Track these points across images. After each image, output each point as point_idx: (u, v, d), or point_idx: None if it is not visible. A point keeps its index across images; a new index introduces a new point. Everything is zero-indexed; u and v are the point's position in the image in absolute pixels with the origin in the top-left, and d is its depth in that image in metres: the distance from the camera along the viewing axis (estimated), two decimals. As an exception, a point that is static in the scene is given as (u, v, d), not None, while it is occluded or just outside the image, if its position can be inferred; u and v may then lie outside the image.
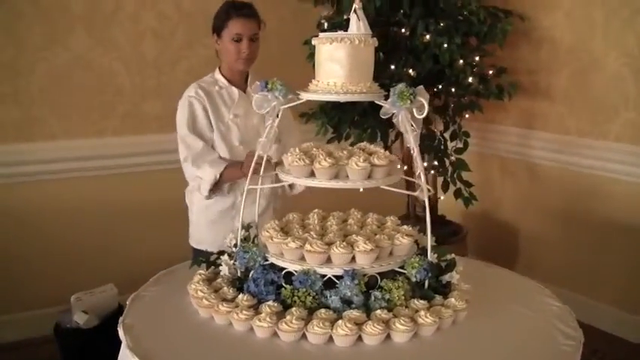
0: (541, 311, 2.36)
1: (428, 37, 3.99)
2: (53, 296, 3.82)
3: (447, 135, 4.36)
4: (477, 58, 4.15)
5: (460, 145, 4.32)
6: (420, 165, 2.34)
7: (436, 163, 4.28)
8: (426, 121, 4.24)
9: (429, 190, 2.43)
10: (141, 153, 4.20)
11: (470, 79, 4.10)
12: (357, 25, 2.33)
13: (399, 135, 4.29)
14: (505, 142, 4.82)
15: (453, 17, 4.03)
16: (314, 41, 2.36)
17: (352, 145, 4.12)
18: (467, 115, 4.40)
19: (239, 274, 2.40)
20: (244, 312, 2.16)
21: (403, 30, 4.09)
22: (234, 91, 3.05)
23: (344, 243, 2.24)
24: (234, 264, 2.40)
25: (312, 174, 2.28)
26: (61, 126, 4.06)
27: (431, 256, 2.31)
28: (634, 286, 4.09)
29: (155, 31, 4.24)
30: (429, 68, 4.04)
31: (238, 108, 3.05)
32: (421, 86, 2.35)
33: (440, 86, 4.12)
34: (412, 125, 2.35)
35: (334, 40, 2.28)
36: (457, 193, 4.30)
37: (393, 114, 2.33)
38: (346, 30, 2.38)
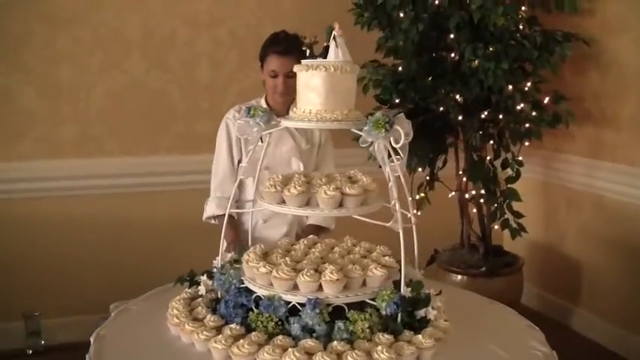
0: (520, 356, 2.24)
1: (477, 62, 3.89)
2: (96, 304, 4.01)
3: (497, 163, 4.21)
4: (529, 84, 3.98)
5: (512, 173, 4.16)
6: (395, 194, 2.29)
7: (483, 191, 4.13)
8: (476, 148, 4.13)
9: (410, 220, 2.36)
10: (193, 171, 4.35)
11: (521, 106, 3.95)
12: (336, 52, 2.33)
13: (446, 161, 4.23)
14: (570, 172, 4.60)
15: (504, 41, 3.90)
16: (294, 68, 2.37)
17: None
18: (527, 143, 4.24)
19: (218, 295, 2.44)
20: (205, 332, 2.20)
21: (453, 55, 4.01)
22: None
23: (311, 271, 2.23)
24: (212, 285, 2.44)
25: (283, 200, 2.29)
26: (116, 144, 4.32)
27: (404, 290, 2.25)
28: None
29: (209, 55, 4.40)
30: (477, 94, 3.93)
31: (269, 135, 3.08)
32: (401, 114, 2.31)
33: (486, 112, 3.99)
34: (397, 153, 2.32)
35: (310, 67, 2.29)
36: (504, 224, 4.14)
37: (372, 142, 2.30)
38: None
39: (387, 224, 2.29)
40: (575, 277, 4.63)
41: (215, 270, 2.46)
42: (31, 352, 4.20)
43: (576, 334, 4.53)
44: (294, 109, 2.37)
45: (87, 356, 2.20)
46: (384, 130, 2.23)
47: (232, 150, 3.12)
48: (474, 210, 4.41)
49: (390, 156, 2.30)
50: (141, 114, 4.36)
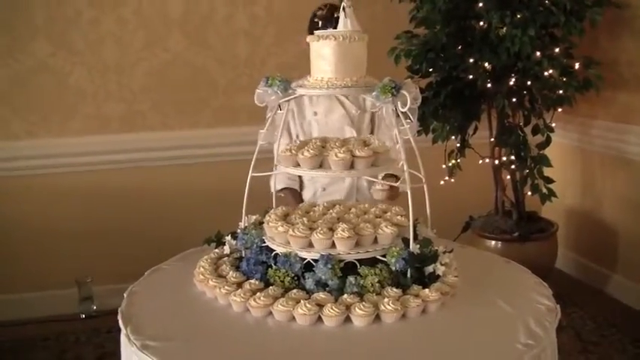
0: (523, 309, 2.31)
1: (504, 29, 3.94)
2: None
3: (528, 130, 4.27)
4: (557, 50, 4.01)
5: (543, 139, 4.21)
6: (403, 156, 2.40)
7: (513, 157, 4.20)
8: (506, 115, 4.19)
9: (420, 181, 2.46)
10: (232, 143, 4.54)
11: (549, 72, 3.99)
12: (345, 22, 2.45)
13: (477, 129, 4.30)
14: (605, 138, 4.61)
15: (532, 8, 3.94)
16: (307, 39, 2.50)
17: (434, 139, 4.23)
18: (559, 110, 4.28)
19: (242, 255, 2.61)
20: (226, 287, 2.36)
21: (481, 23, 4.07)
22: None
23: (324, 229, 2.37)
24: (236, 245, 2.61)
25: (298, 163, 2.44)
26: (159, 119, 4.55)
27: (413, 247, 2.38)
28: None
29: (246, 31, 4.57)
30: (505, 61, 3.98)
31: (319, 106, 3.23)
32: (409, 80, 2.45)
33: (514, 79, 4.04)
34: (408, 117, 2.43)
35: (320, 37, 2.42)
36: (534, 189, 4.20)
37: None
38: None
39: (396, 184, 2.41)
40: (611, 242, 4.66)
41: (239, 231, 2.63)
42: (84, 316, 4.49)
43: (612, 299, 4.56)
44: (308, 77, 2.50)
45: (119, 310, 2.40)
46: (390, 95, 2.34)
47: (289, 125, 3.24)
48: (508, 177, 4.48)
49: (400, 119, 2.40)
50: (182, 89, 4.55)
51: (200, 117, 4.61)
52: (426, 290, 2.30)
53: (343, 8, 2.46)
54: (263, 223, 2.63)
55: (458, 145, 4.41)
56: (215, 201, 4.49)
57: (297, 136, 3.24)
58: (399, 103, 2.37)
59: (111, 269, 4.46)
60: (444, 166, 4.42)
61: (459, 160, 4.43)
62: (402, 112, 2.40)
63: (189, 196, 4.57)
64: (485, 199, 4.68)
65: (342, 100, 3.20)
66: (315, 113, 3.19)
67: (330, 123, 3.20)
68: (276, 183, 3.16)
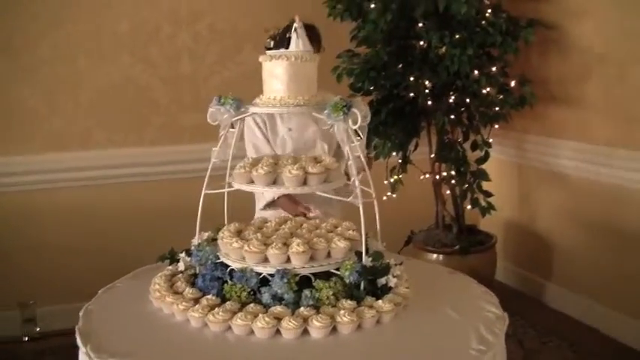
0: (472, 317, 2.41)
1: (444, 49, 4.09)
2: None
3: (467, 145, 4.43)
4: (494, 69, 4.18)
5: (481, 154, 4.38)
6: (354, 172, 2.48)
7: (453, 172, 4.35)
8: (446, 131, 4.34)
9: (370, 196, 2.54)
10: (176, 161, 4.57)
11: (487, 90, 4.15)
12: (297, 42, 2.52)
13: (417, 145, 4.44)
14: (539, 153, 4.80)
15: (470, 29, 4.10)
16: (260, 59, 2.56)
17: (376, 155, 4.33)
18: (496, 126, 4.45)
19: (196, 271, 2.64)
20: (183, 303, 2.39)
21: (421, 42, 4.21)
22: None
23: (279, 244, 2.42)
24: (190, 261, 2.64)
25: (252, 180, 2.49)
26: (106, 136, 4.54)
27: (365, 260, 2.45)
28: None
29: (190, 49, 4.61)
30: (445, 79, 4.13)
31: (291, 122, 3.27)
32: (359, 98, 2.53)
33: (454, 97, 4.19)
34: (358, 135, 2.51)
35: (273, 57, 2.49)
36: (474, 203, 4.35)
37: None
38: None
39: (348, 199, 2.49)
40: (547, 253, 4.84)
41: (193, 248, 2.66)
42: (27, 338, 4.39)
43: (549, 308, 4.74)
44: (261, 96, 2.56)
45: (76, 328, 2.39)
46: (342, 113, 2.42)
47: (267, 135, 3.25)
48: (448, 191, 4.62)
49: (350, 137, 2.48)
50: (127, 107, 4.55)
51: (144, 135, 4.60)
52: (380, 302, 2.37)
53: (295, 29, 2.53)
54: (215, 239, 2.68)
55: (400, 161, 4.53)
56: (161, 219, 4.50)
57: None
58: (350, 121, 2.45)
59: (54, 290, 4.40)
60: (386, 182, 4.53)
61: (400, 176, 4.55)
62: (352, 130, 2.48)
63: (134, 215, 4.54)
64: (426, 214, 4.82)
65: (314, 117, 3.26)
66: (290, 129, 3.24)
67: (303, 139, 3.25)
68: (266, 195, 3.18)
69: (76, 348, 2.27)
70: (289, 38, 2.57)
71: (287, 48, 2.58)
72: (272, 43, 2.91)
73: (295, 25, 2.53)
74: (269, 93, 2.52)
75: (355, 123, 2.44)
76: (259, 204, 3.28)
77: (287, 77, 2.47)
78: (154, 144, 4.61)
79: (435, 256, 4.58)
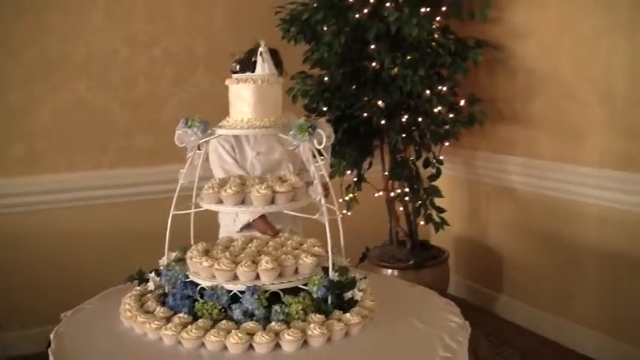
0: (436, 326, 2.53)
1: (396, 70, 4.23)
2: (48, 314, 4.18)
3: (419, 163, 4.57)
4: (445, 88, 4.34)
5: (433, 172, 4.52)
6: (320, 190, 2.57)
7: (407, 189, 4.48)
8: (399, 150, 4.47)
9: (336, 213, 2.64)
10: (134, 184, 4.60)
11: (438, 109, 4.30)
12: (262, 66, 2.61)
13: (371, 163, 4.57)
14: (488, 169, 4.98)
15: (421, 50, 4.25)
16: (226, 82, 2.64)
17: (332, 174, 4.43)
18: (446, 144, 4.61)
19: (166, 290, 2.69)
20: (155, 322, 2.44)
21: (374, 64, 4.35)
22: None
23: (249, 262, 2.49)
24: (160, 281, 2.69)
25: (221, 200, 2.56)
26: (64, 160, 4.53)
27: (332, 275, 2.54)
28: (608, 308, 4.18)
29: (146, 72, 4.66)
30: (397, 99, 4.27)
31: (260, 146, 3.33)
32: (323, 119, 2.62)
33: (407, 116, 4.33)
34: (321, 154, 2.61)
35: (240, 80, 2.57)
36: (428, 218, 4.49)
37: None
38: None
39: (314, 217, 2.58)
40: (497, 265, 5.01)
41: (162, 268, 2.71)
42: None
43: (501, 319, 4.91)
44: (228, 118, 2.64)
45: (49, 350, 2.41)
46: (307, 134, 2.52)
47: (229, 163, 3.29)
48: (401, 208, 4.75)
49: (314, 156, 2.58)
50: (85, 130, 4.56)
51: (103, 158, 4.61)
52: (348, 315, 2.47)
53: (260, 53, 2.62)
54: (182, 259, 2.73)
55: (354, 179, 4.64)
56: (121, 241, 4.50)
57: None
58: (315, 141, 2.54)
59: (19, 315, 4.38)
60: (341, 200, 4.63)
61: (355, 194, 4.66)
62: (316, 150, 2.57)
63: (95, 237, 4.54)
64: (380, 230, 4.94)
65: (280, 139, 3.33)
66: (258, 153, 3.31)
67: (271, 161, 3.33)
68: (241, 217, 3.25)
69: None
70: (255, 62, 2.65)
71: (253, 71, 2.66)
72: (238, 66, 3.00)
73: (261, 49, 2.62)
74: (236, 115, 2.60)
75: (320, 143, 2.53)
76: (233, 226, 3.33)
77: (254, 100, 2.56)
78: (113, 166, 4.62)
79: (390, 271, 4.69)
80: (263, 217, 3.16)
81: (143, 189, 4.56)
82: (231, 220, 3.34)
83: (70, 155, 4.54)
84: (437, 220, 4.51)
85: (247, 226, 3.26)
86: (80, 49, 4.49)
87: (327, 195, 2.65)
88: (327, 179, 2.67)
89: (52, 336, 2.51)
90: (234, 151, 3.30)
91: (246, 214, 3.20)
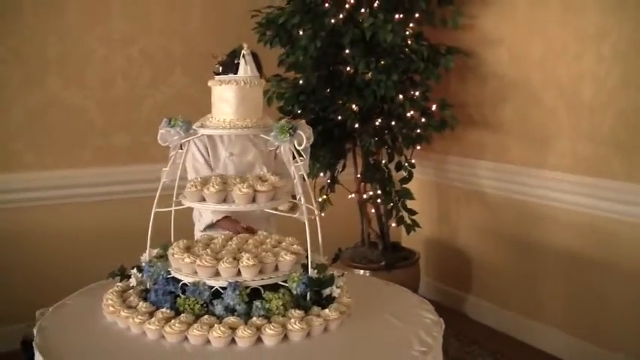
0: (411, 322, 2.62)
1: (370, 74, 4.32)
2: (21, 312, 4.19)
3: (391, 166, 4.67)
4: (417, 93, 4.45)
5: (405, 175, 4.63)
6: (300, 190, 2.65)
7: (379, 192, 4.57)
8: (371, 153, 4.56)
9: (314, 212, 2.71)
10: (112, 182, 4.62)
11: (410, 113, 4.41)
12: (245, 68, 2.68)
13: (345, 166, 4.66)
14: (459, 172, 5.10)
15: (395, 55, 4.35)
16: (209, 83, 2.70)
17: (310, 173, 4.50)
18: (418, 147, 4.71)
19: (148, 286, 2.73)
20: (139, 317, 2.49)
21: (348, 68, 4.44)
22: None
23: (230, 259, 2.55)
24: (141, 277, 2.74)
25: (203, 198, 2.62)
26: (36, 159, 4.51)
27: (311, 272, 2.61)
28: (575, 309, 4.31)
29: (123, 72, 4.68)
30: (371, 103, 4.36)
31: (234, 147, 3.38)
32: (303, 121, 2.69)
33: (380, 120, 4.43)
34: (301, 155, 2.68)
35: (223, 82, 2.64)
36: (399, 221, 4.59)
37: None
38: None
39: (294, 215, 2.65)
40: (466, 267, 5.14)
41: (144, 264, 2.76)
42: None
43: (470, 319, 5.04)
44: (210, 118, 2.70)
45: (34, 344, 2.45)
46: (288, 135, 2.59)
47: (208, 160, 3.36)
48: (373, 210, 4.84)
49: (294, 157, 2.65)
50: (60, 129, 4.56)
51: (80, 156, 4.63)
52: (327, 310, 2.54)
53: (243, 55, 2.69)
54: (163, 256, 2.78)
55: (328, 181, 4.72)
56: (98, 239, 4.53)
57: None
58: (295, 142, 2.62)
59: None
60: (312, 195, 4.69)
61: (329, 196, 4.73)
62: (296, 151, 2.65)
63: (70, 235, 4.55)
64: (352, 232, 5.02)
65: (254, 141, 3.40)
66: (231, 154, 3.36)
67: (244, 163, 3.38)
68: (205, 217, 3.31)
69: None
70: (237, 64, 2.72)
71: (235, 73, 2.72)
72: (220, 68, 3.07)
73: (243, 51, 2.69)
74: (218, 115, 2.66)
75: (300, 144, 2.61)
76: (199, 225, 3.40)
77: (236, 101, 2.62)
78: (90, 165, 4.63)
79: (362, 272, 4.77)
80: (227, 216, 3.22)
81: (120, 188, 4.59)
82: (196, 219, 3.39)
83: (42, 154, 4.54)
84: (408, 222, 4.61)
85: (211, 226, 3.32)
86: (54, 47, 4.48)
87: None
88: (307, 180, 2.74)
89: (35, 331, 2.54)
90: (207, 151, 3.35)
91: (209, 214, 3.27)
